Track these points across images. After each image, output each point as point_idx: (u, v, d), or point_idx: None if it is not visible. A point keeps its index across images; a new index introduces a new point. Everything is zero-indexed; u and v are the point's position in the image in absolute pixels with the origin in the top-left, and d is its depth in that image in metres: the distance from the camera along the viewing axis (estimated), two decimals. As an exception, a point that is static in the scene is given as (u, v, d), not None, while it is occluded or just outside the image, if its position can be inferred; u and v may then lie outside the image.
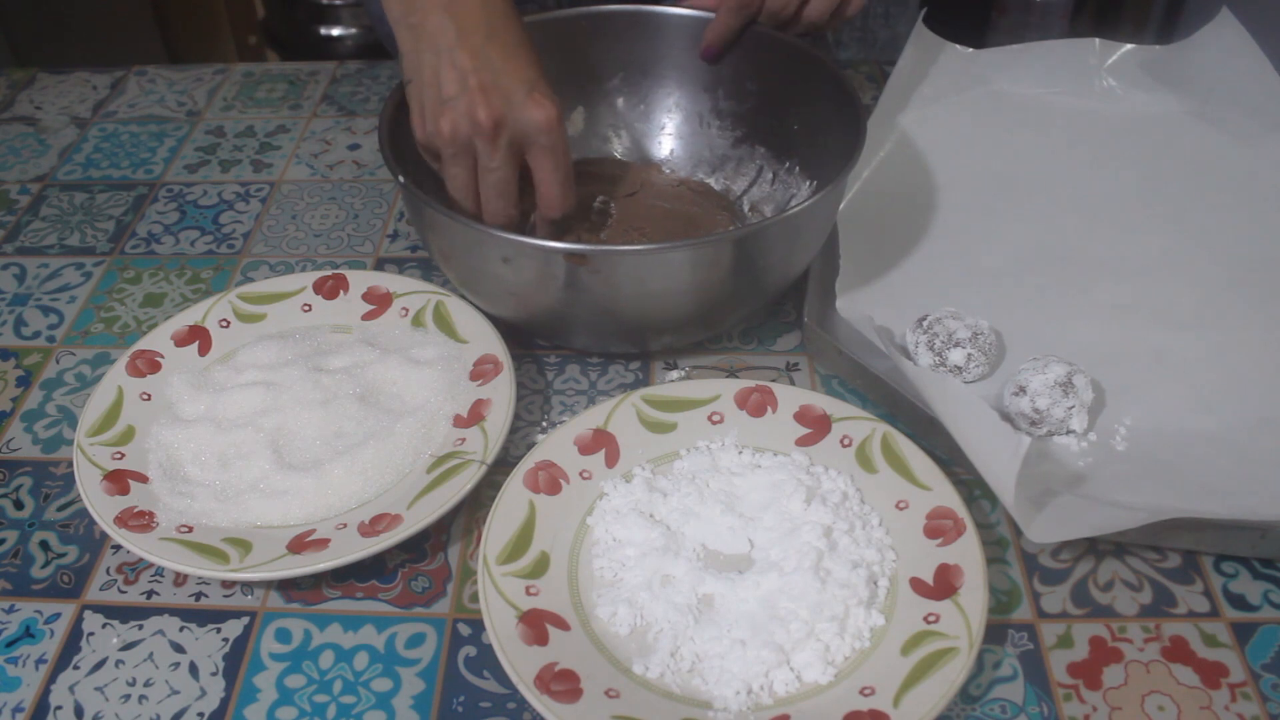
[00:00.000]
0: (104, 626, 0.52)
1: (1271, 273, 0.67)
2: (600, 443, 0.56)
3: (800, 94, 0.70)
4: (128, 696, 0.49)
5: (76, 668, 0.50)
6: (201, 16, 2.02)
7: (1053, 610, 0.51)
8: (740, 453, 0.56)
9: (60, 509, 0.58)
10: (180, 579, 0.54)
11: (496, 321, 0.62)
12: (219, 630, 0.51)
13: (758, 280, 0.60)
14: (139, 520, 0.52)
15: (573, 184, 0.60)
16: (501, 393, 0.58)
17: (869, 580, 0.50)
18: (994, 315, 0.63)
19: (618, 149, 0.77)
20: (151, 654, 0.50)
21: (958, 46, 0.82)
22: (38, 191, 0.82)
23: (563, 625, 0.49)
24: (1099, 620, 0.50)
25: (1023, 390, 0.57)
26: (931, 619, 0.48)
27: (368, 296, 0.66)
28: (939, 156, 0.77)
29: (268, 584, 0.53)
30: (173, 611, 0.52)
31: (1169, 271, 0.67)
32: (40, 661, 0.50)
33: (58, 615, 0.52)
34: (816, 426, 0.57)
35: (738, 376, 0.63)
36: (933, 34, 0.81)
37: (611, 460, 0.56)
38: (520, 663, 0.46)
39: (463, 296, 0.64)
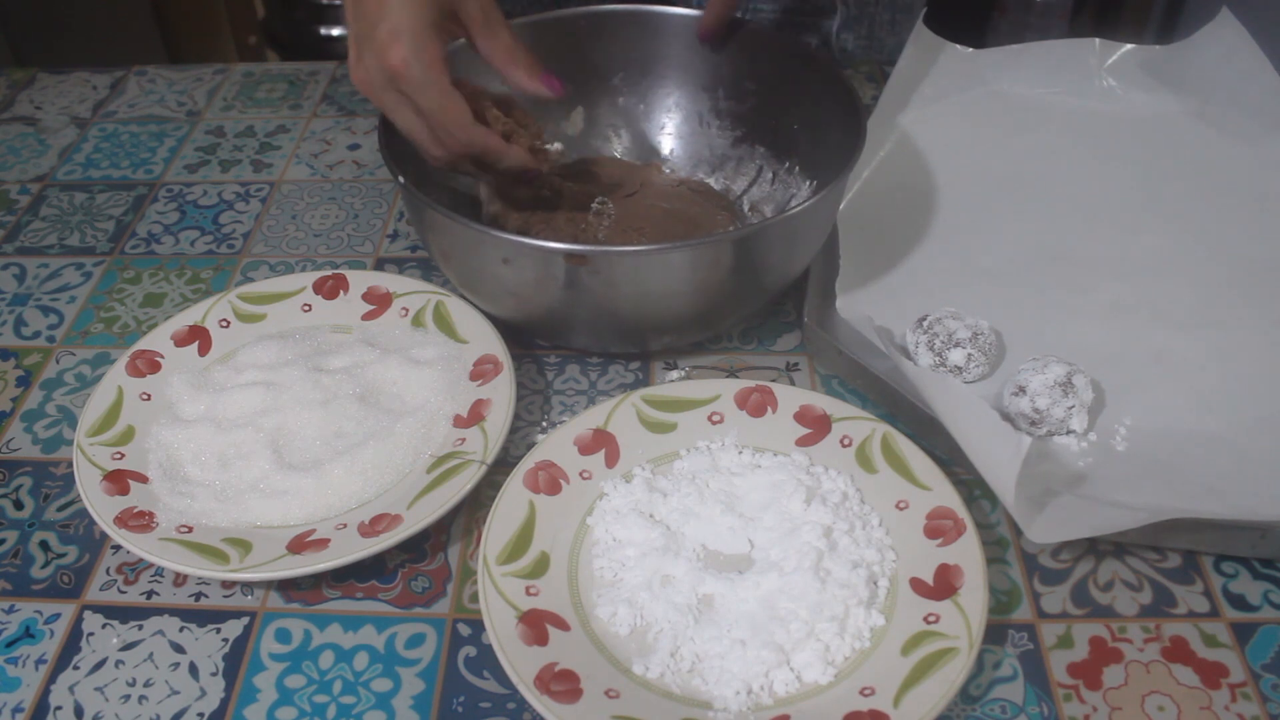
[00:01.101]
0: (104, 626, 0.52)
1: (1271, 273, 0.67)
2: (600, 443, 0.56)
3: (800, 94, 0.70)
4: (128, 697, 0.49)
5: (76, 668, 0.50)
6: (201, 16, 2.03)
7: (1053, 610, 0.51)
8: (740, 453, 0.56)
9: (60, 509, 0.58)
10: (180, 579, 0.54)
11: (496, 321, 0.62)
12: (219, 630, 0.51)
13: (758, 280, 0.60)
14: (139, 520, 0.52)
15: (452, 127, 0.58)
16: (501, 393, 0.58)
17: (869, 580, 0.50)
18: (994, 315, 0.63)
19: (618, 149, 0.77)
20: (151, 654, 0.50)
21: (958, 46, 0.82)
22: (38, 191, 0.82)
23: (563, 625, 0.49)
24: (1099, 620, 0.50)
25: (1022, 390, 0.57)
26: (931, 619, 0.48)
27: (368, 296, 0.66)
28: (939, 156, 0.77)
29: (268, 584, 0.53)
30: (173, 612, 0.52)
31: (1169, 271, 0.67)
32: (40, 661, 0.50)
33: (58, 615, 0.52)
34: (816, 426, 0.57)
35: (738, 376, 0.63)
36: (933, 34, 0.81)
37: (611, 460, 0.56)
38: (520, 663, 0.46)
39: (463, 296, 0.64)
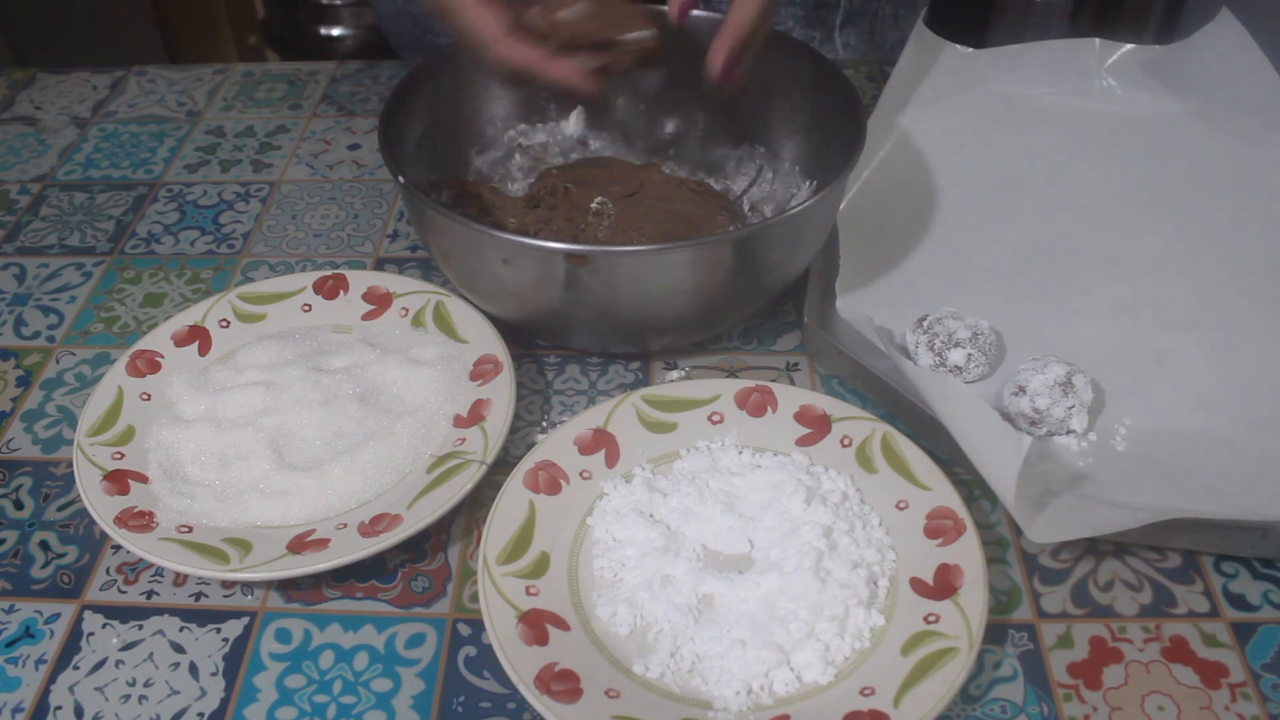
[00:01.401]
0: (104, 626, 0.52)
1: (1271, 273, 0.67)
2: (600, 443, 0.56)
3: (800, 94, 0.70)
4: (128, 696, 0.49)
5: (76, 668, 0.50)
6: (201, 16, 2.03)
7: (1053, 610, 0.51)
8: (740, 453, 0.56)
9: (60, 509, 0.58)
10: (180, 579, 0.54)
11: (496, 321, 0.62)
12: (219, 630, 0.51)
13: (758, 280, 0.60)
14: (139, 520, 0.52)
15: (480, 50, 0.57)
16: (501, 393, 0.58)
17: (869, 580, 0.50)
18: (994, 315, 0.63)
19: (618, 149, 0.77)
20: (151, 654, 0.51)
21: (958, 46, 0.82)
22: (38, 191, 0.82)
23: (563, 625, 0.49)
24: (1099, 620, 0.50)
25: (1022, 390, 0.57)
26: (931, 619, 0.48)
27: (368, 296, 0.66)
28: (939, 156, 0.77)
29: (268, 584, 0.53)
30: (173, 611, 0.52)
31: (1169, 271, 0.67)
32: (40, 661, 0.50)
33: (58, 615, 0.52)
34: (816, 426, 0.57)
35: (738, 376, 0.63)
36: (933, 34, 0.81)
37: (611, 460, 0.56)
38: (520, 663, 0.46)
39: (463, 296, 0.64)
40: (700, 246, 0.56)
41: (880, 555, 0.51)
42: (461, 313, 0.64)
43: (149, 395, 0.60)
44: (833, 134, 0.65)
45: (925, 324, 0.60)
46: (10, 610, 0.53)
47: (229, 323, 0.65)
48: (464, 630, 0.51)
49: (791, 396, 0.58)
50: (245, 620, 0.52)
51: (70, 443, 0.61)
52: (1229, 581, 0.52)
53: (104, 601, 0.53)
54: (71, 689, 0.49)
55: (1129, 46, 0.82)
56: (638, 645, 0.49)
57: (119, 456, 0.56)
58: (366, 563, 0.53)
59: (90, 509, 0.53)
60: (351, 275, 0.67)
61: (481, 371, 0.60)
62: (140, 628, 0.52)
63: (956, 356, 0.59)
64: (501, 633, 0.47)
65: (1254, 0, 0.84)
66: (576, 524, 0.54)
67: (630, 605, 0.49)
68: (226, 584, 0.53)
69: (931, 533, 0.51)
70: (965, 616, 0.47)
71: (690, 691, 0.47)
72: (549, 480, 0.55)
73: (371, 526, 0.52)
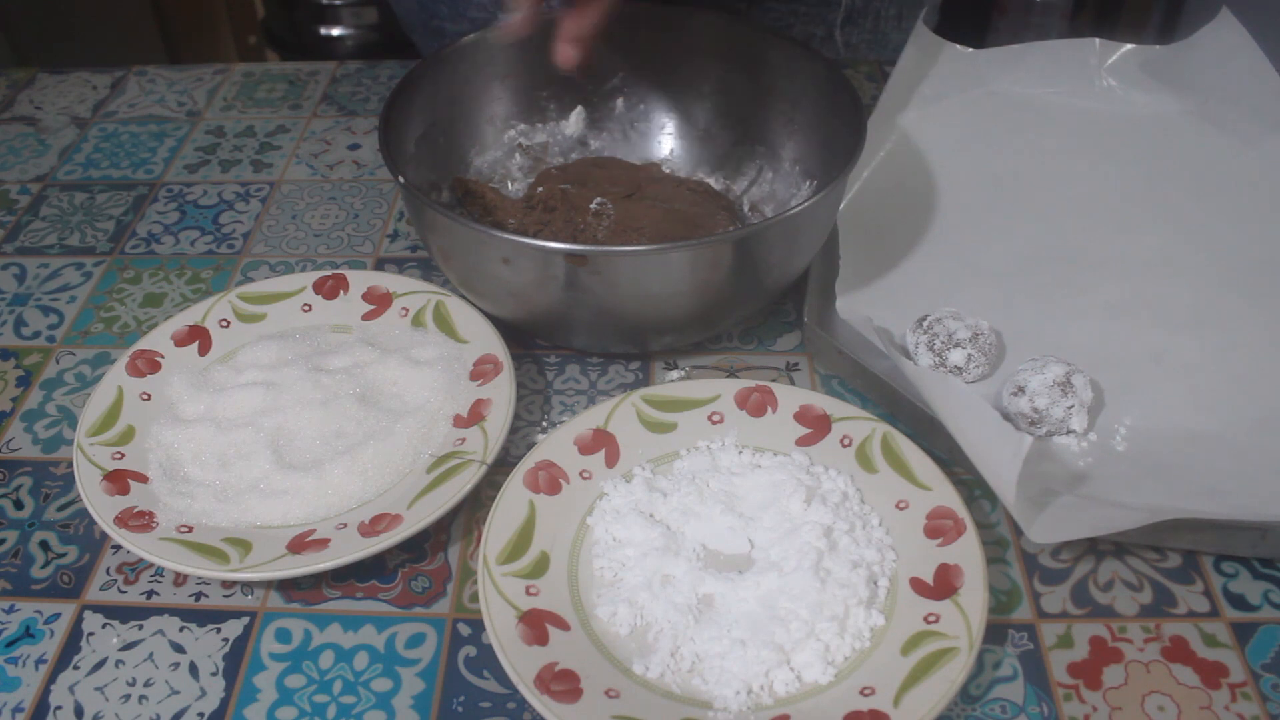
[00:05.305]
0: (104, 626, 0.52)
1: (1271, 273, 0.67)
2: (600, 443, 0.56)
3: (800, 94, 0.70)
4: (128, 696, 0.49)
5: (76, 668, 0.50)
6: (201, 16, 2.03)
7: (1053, 610, 0.51)
8: (740, 453, 0.56)
9: (60, 509, 0.58)
10: (180, 579, 0.54)
11: (496, 321, 0.62)
12: (219, 630, 0.51)
13: (758, 280, 0.60)
14: (139, 520, 0.52)
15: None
16: (501, 393, 0.58)
17: (869, 580, 0.50)
18: (994, 315, 0.63)
19: (618, 149, 0.77)
20: (151, 654, 0.51)
21: (958, 46, 0.82)
22: (38, 191, 0.82)
23: (563, 625, 0.49)
24: (1099, 620, 0.50)
25: (1021, 390, 0.57)
26: (931, 619, 0.48)
27: (368, 296, 0.66)
28: (939, 156, 0.77)
29: (268, 584, 0.53)
30: (173, 611, 0.52)
31: (1169, 271, 0.67)
32: (40, 661, 0.50)
33: (58, 615, 0.52)
34: (816, 426, 0.57)
35: (738, 376, 0.63)
36: (933, 34, 0.81)
37: (611, 460, 0.56)
38: (520, 663, 0.46)
39: (463, 296, 0.64)
40: (700, 246, 0.56)
41: (880, 555, 0.51)
42: (461, 313, 0.64)
43: (149, 395, 0.60)
44: (833, 134, 0.65)
45: (925, 324, 0.60)
46: (10, 610, 0.53)
47: (229, 323, 0.65)
48: (464, 630, 0.51)
49: (791, 396, 0.58)
50: (245, 620, 0.52)
51: (70, 443, 0.61)
52: (1229, 581, 0.52)
53: (104, 601, 0.53)
54: (71, 689, 0.49)
55: (1129, 46, 0.82)
56: (638, 645, 0.49)
57: (119, 456, 0.56)
58: (366, 563, 0.53)
59: (90, 509, 0.53)
60: (351, 275, 0.67)
61: (481, 371, 0.60)
62: (140, 628, 0.52)
63: (956, 356, 0.59)
64: (501, 633, 0.47)
65: (1254, 0, 0.84)
66: (576, 524, 0.54)
67: (630, 605, 0.49)
68: (226, 584, 0.53)
69: (931, 533, 0.51)
70: (965, 616, 0.47)
71: (690, 691, 0.47)
72: (549, 480, 0.55)
73: (371, 526, 0.52)
